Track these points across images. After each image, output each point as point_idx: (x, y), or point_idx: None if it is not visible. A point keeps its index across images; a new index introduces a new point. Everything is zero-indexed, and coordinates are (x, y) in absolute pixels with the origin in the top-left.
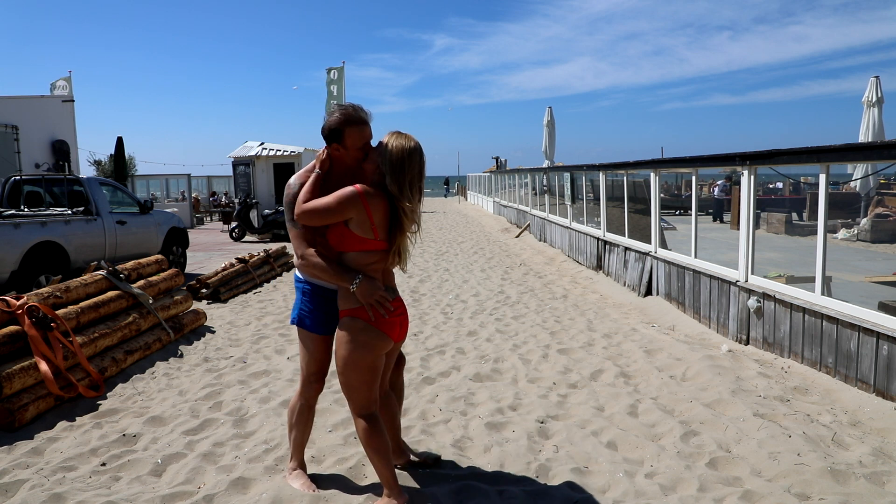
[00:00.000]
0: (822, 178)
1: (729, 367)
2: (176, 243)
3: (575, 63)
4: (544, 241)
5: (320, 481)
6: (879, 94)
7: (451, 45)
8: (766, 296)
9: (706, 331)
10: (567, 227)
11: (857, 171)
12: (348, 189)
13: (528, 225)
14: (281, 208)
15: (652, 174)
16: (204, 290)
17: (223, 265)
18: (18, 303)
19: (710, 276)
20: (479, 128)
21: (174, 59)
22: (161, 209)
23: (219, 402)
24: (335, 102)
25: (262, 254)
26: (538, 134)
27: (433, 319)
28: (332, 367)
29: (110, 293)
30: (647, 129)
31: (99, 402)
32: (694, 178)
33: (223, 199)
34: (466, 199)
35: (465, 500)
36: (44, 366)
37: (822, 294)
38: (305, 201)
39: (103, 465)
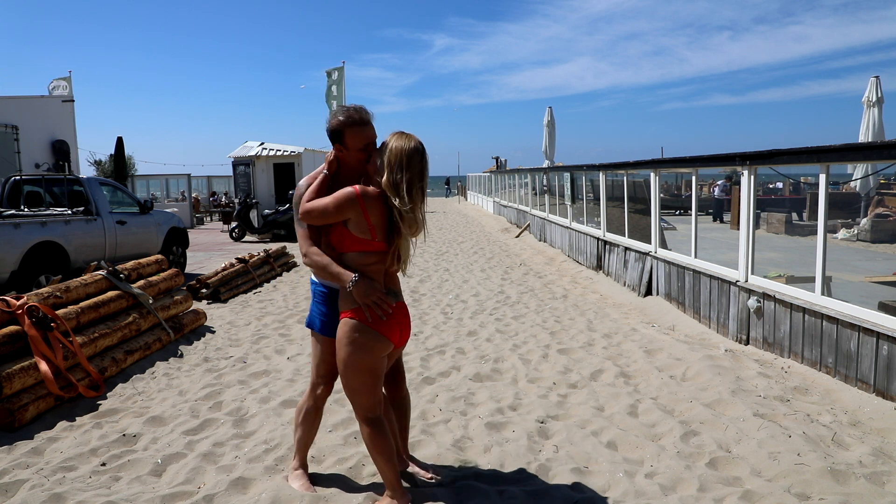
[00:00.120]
0: (822, 178)
1: (729, 367)
2: (176, 243)
3: (575, 63)
4: (544, 241)
5: (320, 481)
6: (879, 94)
7: (451, 45)
8: (766, 296)
9: (706, 331)
10: (567, 227)
11: (857, 171)
12: (347, 190)
13: (528, 225)
14: (281, 208)
15: (652, 174)
16: (204, 290)
17: (223, 265)
18: (18, 303)
19: (710, 276)
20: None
21: (174, 59)
22: (161, 209)
23: (219, 402)
24: (335, 102)
25: (262, 254)
26: (538, 134)
27: (433, 319)
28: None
29: (110, 293)
30: (647, 129)
31: (99, 402)
32: (694, 178)
33: (223, 199)
34: (466, 199)
35: (465, 500)
36: (44, 366)
37: (822, 294)
38: (309, 201)
39: (103, 465)
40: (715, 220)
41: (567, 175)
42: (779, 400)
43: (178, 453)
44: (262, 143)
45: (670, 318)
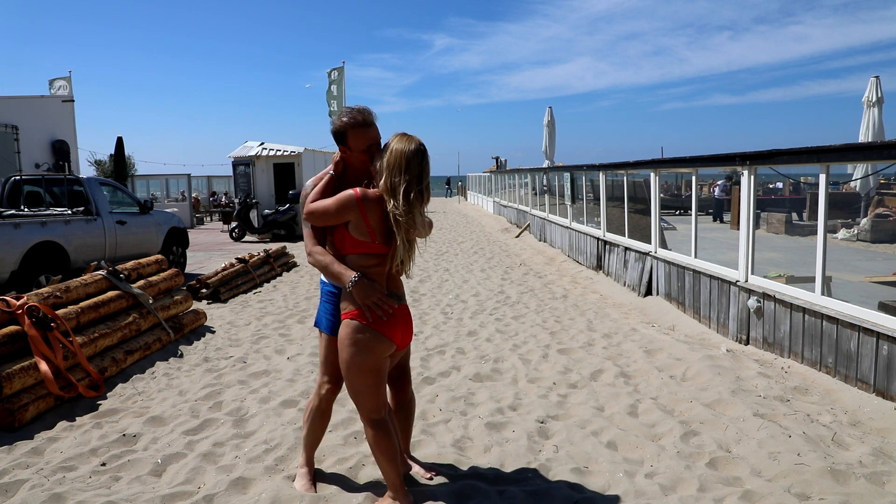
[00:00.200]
0: (822, 178)
1: (729, 367)
2: (176, 243)
3: (575, 63)
4: (544, 241)
5: (320, 481)
6: (879, 94)
7: (451, 45)
8: (766, 296)
9: (706, 331)
10: (567, 227)
11: (857, 171)
12: (347, 192)
13: (528, 225)
14: (281, 208)
15: (652, 174)
16: (204, 290)
17: (223, 265)
18: (18, 303)
19: (710, 276)
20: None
21: (174, 59)
22: (161, 209)
23: (219, 402)
24: (335, 103)
25: (262, 254)
26: (538, 134)
27: (433, 319)
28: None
29: (110, 293)
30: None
31: (99, 402)
32: (694, 178)
33: (223, 199)
34: (466, 199)
35: (465, 500)
36: (44, 366)
37: (822, 294)
38: (313, 201)
39: (103, 465)
40: (715, 220)
41: (567, 175)
42: (779, 400)
43: (178, 453)
44: (262, 143)
45: (670, 318)
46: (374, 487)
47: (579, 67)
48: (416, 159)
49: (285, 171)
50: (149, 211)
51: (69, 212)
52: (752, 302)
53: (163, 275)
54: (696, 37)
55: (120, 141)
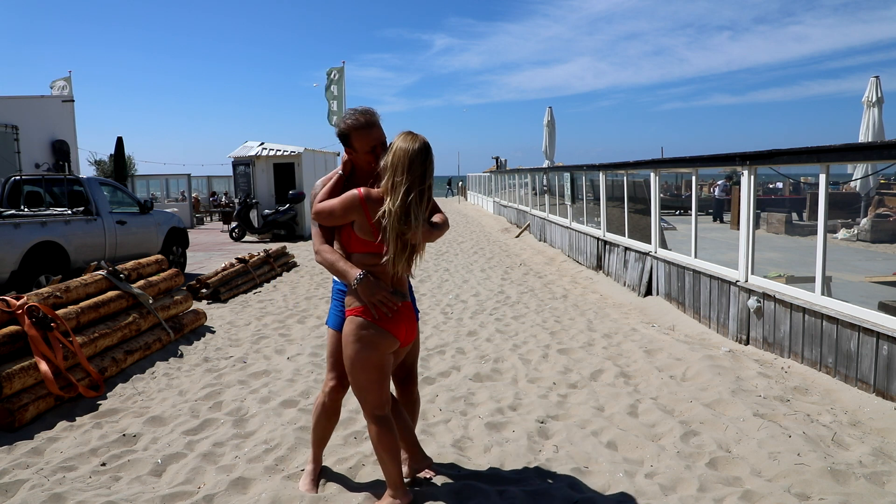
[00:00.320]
0: (822, 178)
1: (729, 367)
2: (176, 243)
3: (575, 63)
4: (544, 241)
5: (320, 482)
6: (879, 94)
7: (451, 45)
8: (766, 296)
9: (706, 331)
10: (567, 227)
11: (857, 171)
12: (351, 192)
13: (528, 225)
14: (281, 208)
15: (652, 174)
16: (204, 290)
17: (223, 265)
18: (18, 303)
19: (710, 276)
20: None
21: (174, 59)
22: (161, 209)
23: (219, 402)
24: (335, 102)
25: (262, 254)
26: (538, 134)
27: (433, 319)
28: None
29: (110, 293)
30: (647, 129)
31: (99, 402)
32: (694, 178)
33: (223, 199)
34: (466, 199)
35: (465, 500)
36: (44, 366)
37: (822, 294)
38: (321, 201)
39: (103, 465)
40: (715, 220)
41: (567, 175)
42: (779, 400)
43: (178, 453)
44: (262, 143)
45: (670, 318)
46: (374, 487)
47: (579, 67)
48: (419, 158)
49: (285, 171)
50: (149, 211)
51: (69, 212)
52: (752, 302)
53: (163, 275)
54: (696, 37)
55: (120, 141)
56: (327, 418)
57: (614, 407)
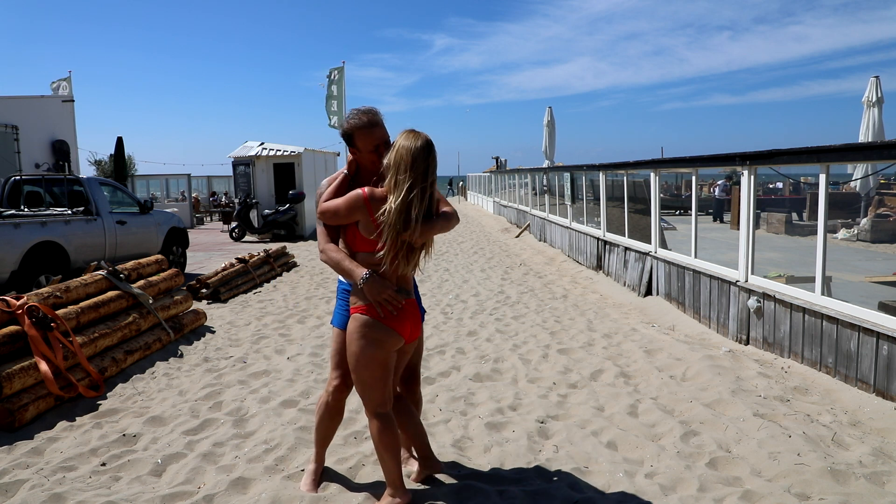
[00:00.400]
0: (822, 178)
1: (729, 367)
2: (176, 243)
3: (575, 63)
4: (544, 241)
5: (320, 481)
6: (879, 94)
7: (451, 45)
8: (766, 296)
9: (706, 331)
10: (567, 227)
11: (857, 171)
12: (356, 192)
13: (528, 225)
14: (281, 208)
15: (652, 174)
16: (204, 290)
17: (223, 265)
18: (18, 303)
19: (710, 276)
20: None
21: (174, 59)
22: (161, 209)
23: (219, 402)
24: (335, 102)
25: (262, 254)
26: (538, 134)
27: (433, 319)
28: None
29: (110, 293)
30: (647, 129)
31: (99, 402)
32: (694, 178)
33: (223, 199)
34: (466, 199)
35: (465, 500)
36: (44, 366)
37: (822, 294)
38: (327, 200)
39: (103, 465)
40: (715, 220)
41: (567, 175)
42: (779, 400)
43: (178, 453)
44: (262, 143)
45: (670, 318)
46: (374, 487)
47: (579, 67)
48: (421, 156)
49: (285, 171)
50: (149, 211)
51: (69, 212)
52: (752, 302)
53: (163, 275)
54: (696, 37)
55: (120, 141)
56: (330, 417)
57: (614, 407)
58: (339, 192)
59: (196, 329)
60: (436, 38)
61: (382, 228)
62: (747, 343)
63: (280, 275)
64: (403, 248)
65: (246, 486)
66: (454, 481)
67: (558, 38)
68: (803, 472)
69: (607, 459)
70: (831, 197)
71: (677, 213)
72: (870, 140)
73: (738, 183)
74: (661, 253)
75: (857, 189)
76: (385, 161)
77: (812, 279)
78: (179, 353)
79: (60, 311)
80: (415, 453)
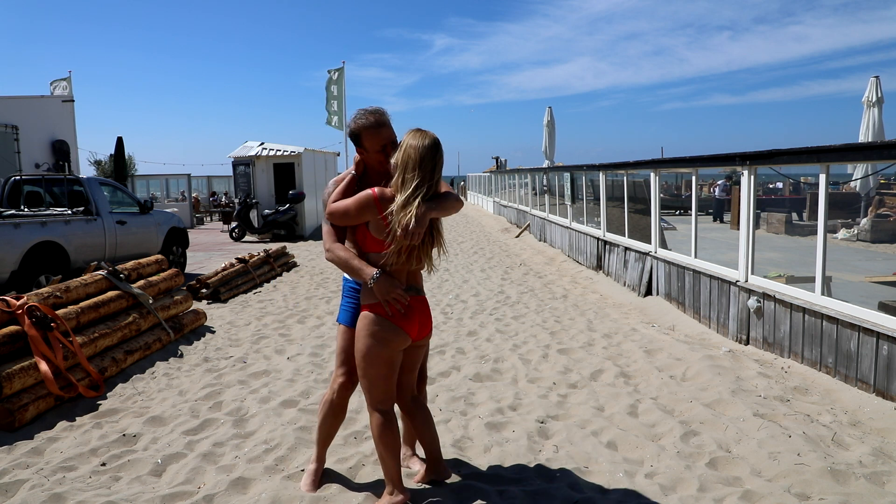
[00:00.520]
0: (822, 178)
1: (729, 367)
2: (176, 243)
3: (575, 63)
4: (544, 241)
5: (320, 481)
6: (879, 94)
7: (451, 45)
8: (766, 296)
9: (706, 331)
10: (567, 227)
11: (857, 171)
12: (365, 192)
13: (528, 225)
14: (281, 208)
15: (652, 174)
16: (204, 290)
17: (223, 265)
18: (18, 303)
19: (710, 276)
20: (479, 128)
21: (174, 59)
22: (161, 209)
23: (219, 402)
24: (335, 102)
25: (262, 254)
26: (538, 134)
27: (433, 319)
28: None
29: (110, 293)
30: (647, 129)
31: (99, 402)
32: (694, 178)
33: (223, 199)
34: (466, 199)
35: (465, 500)
36: (44, 366)
37: (822, 294)
38: (335, 201)
39: (103, 465)
40: (715, 220)
41: (567, 175)
42: (779, 400)
43: (178, 453)
44: (262, 143)
45: (670, 318)
46: (374, 487)
47: (579, 67)
48: (429, 155)
49: (285, 171)
50: (149, 211)
51: (69, 212)
52: (752, 302)
53: (163, 275)
54: (696, 37)
55: (120, 141)
56: (334, 416)
57: (614, 407)
58: (346, 192)
59: (196, 329)
60: (436, 38)
61: (391, 227)
62: (747, 343)
63: (280, 275)
64: (409, 246)
65: (246, 486)
66: (454, 481)
67: (558, 38)
68: (803, 472)
69: (607, 459)
70: (831, 197)
71: (677, 213)
72: (870, 140)
73: (738, 183)
74: (661, 253)
75: (857, 189)
76: (392, 160)
77: (812, 279)
78: (179, 353)
79: (60, 311)
80: (421, 454)
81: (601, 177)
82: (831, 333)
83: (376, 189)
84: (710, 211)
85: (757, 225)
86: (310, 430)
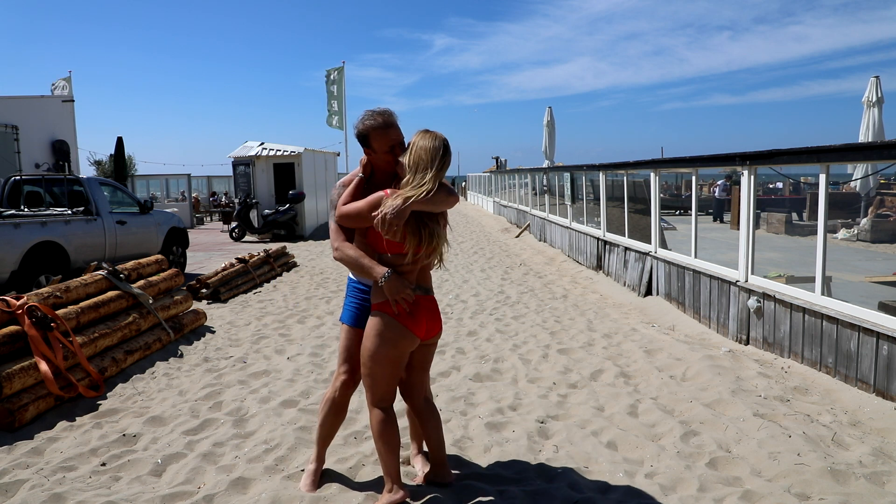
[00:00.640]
0: (822, 178)
1: (729, 367)
2: (176, 243)
3: (575, 63)
4: (544, 241)
5: (320, 481)
6: (879, 94)
7: (451, 45)
8: (766, 296)
9: (706, 331)
10: (567, 227)
11: (857, 171)
12: (378, 194)
13: (528, 225)
14: (281, 208)
15: (652, 174)
16: (204, 290)
17: (223, 265)
18: (18, 303)
19: (710, 276)
20: (479, 128)
21: (174, 59)
22: (161, 209)
23: (219, 402)
24: (335, 102)
25: (262, 254)
26: (538, 134)
27: None
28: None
29: (110, 293)
30: (647, 129)
31: (99, 402)
32: (694, 178)
33: (223, 199)
34: (466, 199)
35: (465, 500)
36: (44, 366)
37: (822, 294)
38: (344, 204)
39: (103, 465)
40: (715, 220)
41: (567, 175)
42: (779, 400)
43: (178, 453)
44: (262, 143)
45: (670, 318)
46: (374, 487)
47: (579, 67)
48: (439, 156)
49: (285, 171)
50: (149, 211)
51: (69, 212)
52: (752, 302)
53: (163, 275)
54: (696, 37)
55: (120, 141)
56: (335, 414)
57: (614, 407)
58: (355, 195)
59: (196, 329)
60: (436, 38)
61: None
62: (747, 343)
63: (280, 275)
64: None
65: (246, 486)
66: (454, 481)
67: (558, 38)
68: (803, 472)
69: (607, 459)
70: (831, 197)
71: (677, 213)
72: (870, 140)
73: (738, 183)
74: (661, 253)
75: (857, 189)
76: (403, 160)
77: (812, 279)
78: (179, 353)
79: (60, 311)
80: (426, 451)
81: (601, 177)
82: (831, 333)
83: (388, 190)
84: (710, 211)
85: (757, 225)
86: (310, 430)
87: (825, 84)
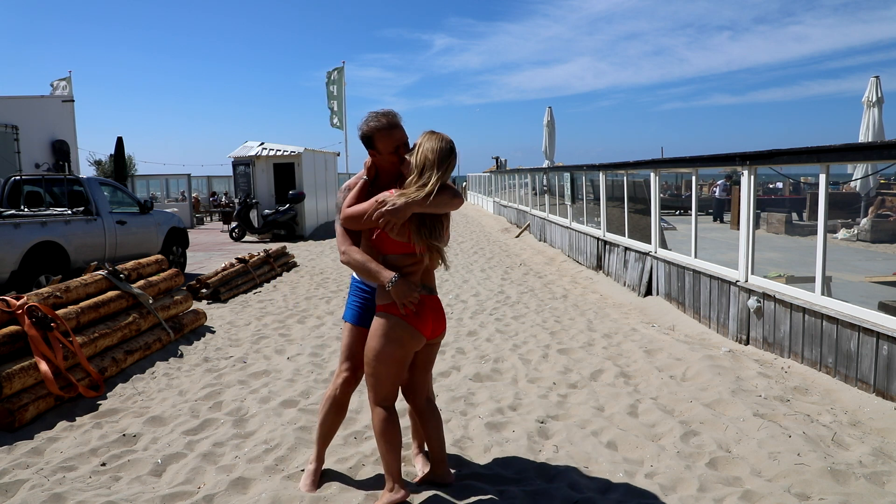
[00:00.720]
0: (822, 178)
1: (729, 367)
2: (176, 243)
3: (575, 63)
4: (544, 241)
5: (320, 481)
6: (879, 94)
7: (451, 45)
8: (766, 296)
9: (706, 331)
10: (567, 227)
11: (857, 171)
12: (384, 194)
13: (528, 225)
14: (281, 208)
15: (652, 174)
16: (204, 290)
17: (223, 265)
18: (18, 303)
19: (710, 276)
20: (479, 128)
21: (174, 59)
22: (161, 209)
23: (219, 402)
24: (335, 103)
25: (262, 254)
26: (538, 134)
27: None
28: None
29: (110, 293)
30: (647, 129)
31: (99, 402)
32: (694, 178)
33: (223, 199)
34: (466, 199)
35: (465, 500)
36: (44, 366)
37: (822, 294)
38: (350, 206)
39: (103, 465)
40: (715, 220)
41: (567, 175)
42: (779, 400)
43: (178, 453)
44: (262, 143)
45: (670, 318)
46: (374, 487)
47: (579, 67)
48: (445, 157)
49: (285, 171)
50: (149, 211)
51: (69, 212)
52: (752, 302)
53: (163, 275)
54: (696, 37)
55: (120, 141)
56: (335, 413)
57: (614, 407)
58: (360, 197)
59: (196, 329)
60: (436, 38)
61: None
62: (747, 343)
63: (280, 275)
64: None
65: (246, 486)
66: (454, 481)
67: (558, 38)
68: (803, 472)
69: (607, 459)
70: (831, 197)
71: (677, 213)
72: (870, 140)
73: (738, 183)
74: (661, 253)
75: (857, 189)
76: (410, 161)
77: (812, 279)
78: (179, 353)
79: (60, 311)
80: (427, 451)
81: (601, 177)
82: (831, 333)
83: (394, 191)
84: (710, 211)
85: (757, 225)
86: (310, 430)
87: (825, 84)
